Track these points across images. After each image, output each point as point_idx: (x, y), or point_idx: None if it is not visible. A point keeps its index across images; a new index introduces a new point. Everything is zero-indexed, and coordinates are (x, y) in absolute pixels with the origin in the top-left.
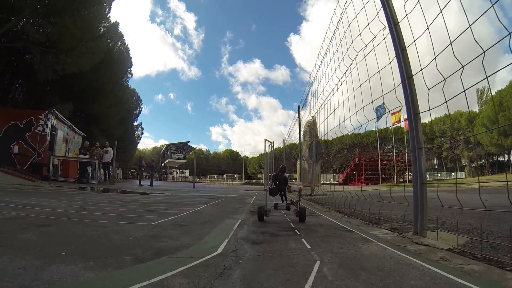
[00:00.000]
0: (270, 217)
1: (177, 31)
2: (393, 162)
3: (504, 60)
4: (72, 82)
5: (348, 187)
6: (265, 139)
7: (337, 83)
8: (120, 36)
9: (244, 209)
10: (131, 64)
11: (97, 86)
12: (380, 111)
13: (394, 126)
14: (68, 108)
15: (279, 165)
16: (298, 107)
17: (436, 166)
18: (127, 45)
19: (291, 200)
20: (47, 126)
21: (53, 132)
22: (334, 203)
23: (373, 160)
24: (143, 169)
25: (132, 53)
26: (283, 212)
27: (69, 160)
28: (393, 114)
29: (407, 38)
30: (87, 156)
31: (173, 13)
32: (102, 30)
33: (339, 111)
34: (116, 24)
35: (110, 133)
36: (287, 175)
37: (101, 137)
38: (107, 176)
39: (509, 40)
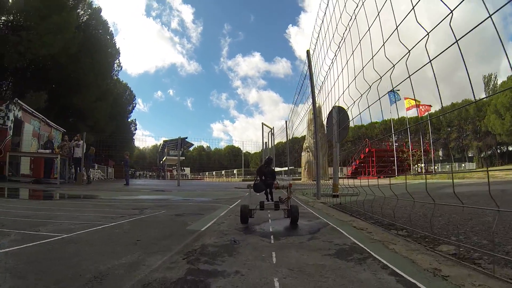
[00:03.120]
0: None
1: (174, 24)
2: (409, 152)
3: (509, 48)
4: (48, 71)
5: (366, 181)
6: (263, 123)
7: (330, 63)
8: (103, 23)
9: None
10: (118, 55)
11: (77, 76)
12: (392, 97)
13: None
14: (42, 98)
15: (281, 158)
16: (308, 51)
17: (441, 158)
18: (111, 30)
19: (279, 197)
20: (8, 119)
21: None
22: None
23: (385, 151)
24: (91, 163)
25: (124, 46)
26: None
27: (40, 157)
28: (406, 98)
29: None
30: (47, 151)
31: (169, 5)
32: (85, 18)
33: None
34: (98, 10)
35: (99, 129)
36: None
37: (88, 133)
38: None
39: None
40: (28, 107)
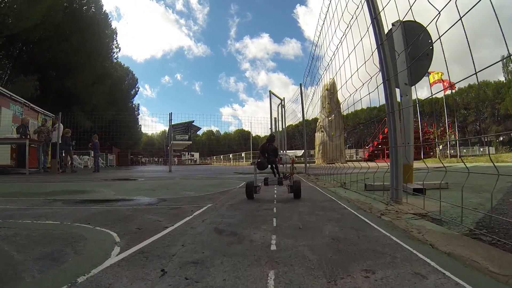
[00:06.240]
0: None
1: (179, 6)
2: (436, 133)
3: None
4: (36, 52)
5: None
6: (270, 92)
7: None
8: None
9: None
10: (115, 35)
11: (67, 56)
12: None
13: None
14: (32, 82)
15: (292, 142)
16: None
17: (453, 142)
18: (105, 10)
19: (283, 173)
20: None
21: None
22: None
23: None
24: (69, 147)
25: (128, 30)
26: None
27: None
28: (431, 73)
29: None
30: (14, 136)
31: None
32: None
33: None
34: None
35: (98, 115)
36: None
37: (86, 119)
38: (59, 162)
39: None
40: (6, 91)
